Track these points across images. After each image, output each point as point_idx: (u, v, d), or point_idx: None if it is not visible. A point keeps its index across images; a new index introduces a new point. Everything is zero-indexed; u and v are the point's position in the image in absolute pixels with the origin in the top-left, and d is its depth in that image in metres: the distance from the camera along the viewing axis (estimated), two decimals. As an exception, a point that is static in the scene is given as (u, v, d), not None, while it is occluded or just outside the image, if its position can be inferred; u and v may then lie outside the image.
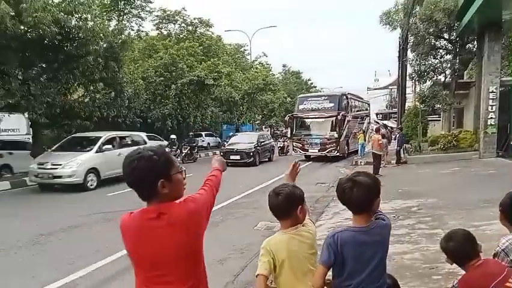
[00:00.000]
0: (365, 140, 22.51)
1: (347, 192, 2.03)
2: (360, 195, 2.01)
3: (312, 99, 22.65)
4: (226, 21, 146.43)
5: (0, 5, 12.13)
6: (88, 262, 5.68)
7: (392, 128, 29.82)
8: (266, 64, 45.07)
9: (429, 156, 17.45)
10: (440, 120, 27.48)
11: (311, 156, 21.24)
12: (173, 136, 22.99)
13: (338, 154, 20.73)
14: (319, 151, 20.74)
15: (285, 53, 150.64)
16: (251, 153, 19.45)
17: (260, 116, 43.40)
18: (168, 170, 1.81)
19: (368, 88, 56.07)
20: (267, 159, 21.72)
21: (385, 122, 39.24)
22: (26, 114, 16.21)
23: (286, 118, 23.06)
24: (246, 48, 43.70)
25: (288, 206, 2.15)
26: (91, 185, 12.59)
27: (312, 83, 61.76)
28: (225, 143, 24.24)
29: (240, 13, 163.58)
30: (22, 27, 13.45)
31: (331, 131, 20.77)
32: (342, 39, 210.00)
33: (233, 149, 19.94)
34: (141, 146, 1.89)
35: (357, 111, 26.35)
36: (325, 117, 20.90)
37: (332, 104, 21.28)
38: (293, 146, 22.10)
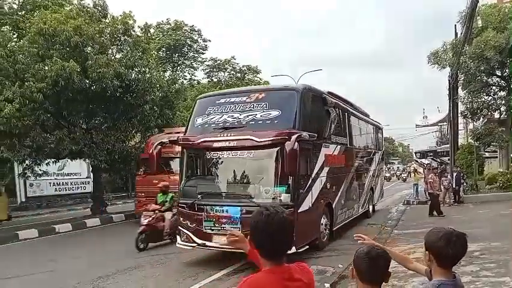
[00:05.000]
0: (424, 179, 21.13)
1: (452, 246, 2.05)
2: (462, 250, 2.07)
3: (229, 99, 8.78)
4: (275, 66, 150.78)
5: (69, 62, 13.48)
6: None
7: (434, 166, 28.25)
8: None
9: (488, 195, 16.64)
10: (497, 157, 26.21)
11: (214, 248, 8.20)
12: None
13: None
14: None
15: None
16: None
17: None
18: None
19: (416, 125, 54.44)
20: None
21: (423, 160, 37.84)
22: (88, 160, 17.40)
23: (154, 150, 8.71)
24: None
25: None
26: None
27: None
28: None
29: (288, 60, 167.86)
30: (87, 82, 14.76)
31: (271, 184, 7.83)
32: (388, 79, 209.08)
33: None
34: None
35: (358, 135, 13.10)
36: (254, 147, 7.73)
37: (276, 113, 8.11)
38: (180, 224, 8.53)
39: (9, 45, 14.51)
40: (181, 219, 8.40)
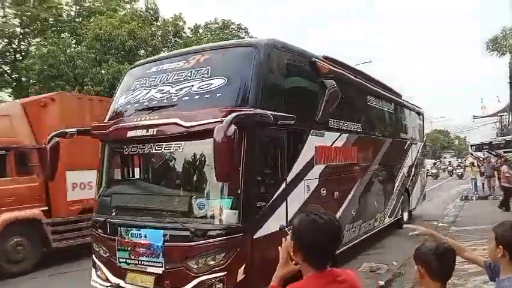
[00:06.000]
0: (480, 173, 19.98)
1: None
2: None
3: (161, 66, 5.73)
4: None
5: (124, 65, 14.08)
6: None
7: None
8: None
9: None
10: None
11: None
12: None
13: None
14: (157, 285, 4.61)
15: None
16: None
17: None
18: None
19: (474, 116, 51.34)
20: None
21: (478, 153, 35.51)
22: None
23: (47, 144, 5.51)
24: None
25: None
26: None
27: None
28: None
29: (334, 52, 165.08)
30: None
31: (210, 193, 4.76)
32: (443, 68, 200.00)
33: None
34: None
35: (382, 121, 9.70)
36: (183, 136, 4.72)
37: (219, 82, 4.91)
38: (94, 252, 5.54)
39: (68, 51, 15.45)
40: (94, 245, 5.58)
